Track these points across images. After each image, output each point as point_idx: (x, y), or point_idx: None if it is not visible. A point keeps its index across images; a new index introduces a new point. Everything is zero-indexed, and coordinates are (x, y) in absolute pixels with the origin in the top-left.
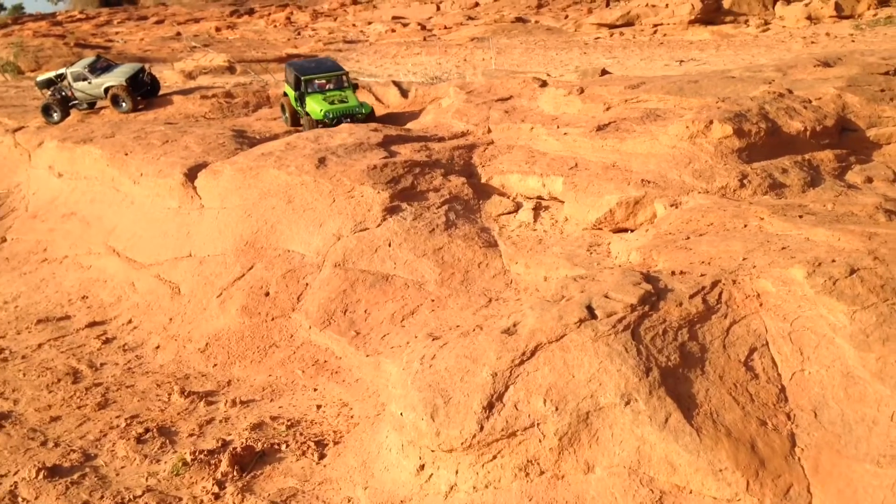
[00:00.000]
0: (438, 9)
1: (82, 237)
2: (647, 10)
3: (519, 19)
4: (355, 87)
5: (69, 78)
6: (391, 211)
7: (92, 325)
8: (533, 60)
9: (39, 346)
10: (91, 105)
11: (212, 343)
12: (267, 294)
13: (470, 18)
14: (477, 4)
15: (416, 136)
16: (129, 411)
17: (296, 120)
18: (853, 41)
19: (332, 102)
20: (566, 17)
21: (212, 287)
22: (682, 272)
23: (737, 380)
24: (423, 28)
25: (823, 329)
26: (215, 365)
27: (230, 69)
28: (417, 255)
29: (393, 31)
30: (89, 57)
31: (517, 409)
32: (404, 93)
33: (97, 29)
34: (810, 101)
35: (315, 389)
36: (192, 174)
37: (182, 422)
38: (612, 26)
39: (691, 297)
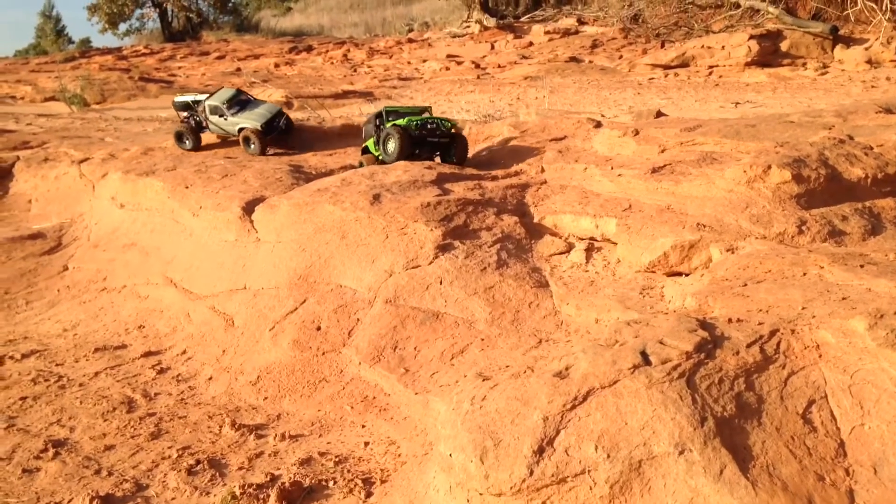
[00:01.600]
0: (493, 48)
1: (141, 267)
2: (702, 52)
3: (573, 59)
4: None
5: (206, 110)
6: (443, 249)
7: (147, 354)
8: (586, 100)
9: (96, 374)
10: (223, 139)
11: (263, 376)
12: (318, 328)
13: (524, 58)
14: (531, 44)
15: (470, 175)
16: (180, 442)
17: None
18: None
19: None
20: (620, 57)
21: (265, 320)
22: (738, 320)
23: (794, 432)
24: (478, 66)
25: (885, 383)
26: (266, 398)
27: (288, 104)
28: (468, 293)
29: (447, 69)
30: (229, 89)
31: (568, 454)
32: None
33: (161, 63)
34: (871, 148)
35: (363, 426)
36: (249, 208)
37: (232, 454)
38: (666, 67)
39: (748, 345)
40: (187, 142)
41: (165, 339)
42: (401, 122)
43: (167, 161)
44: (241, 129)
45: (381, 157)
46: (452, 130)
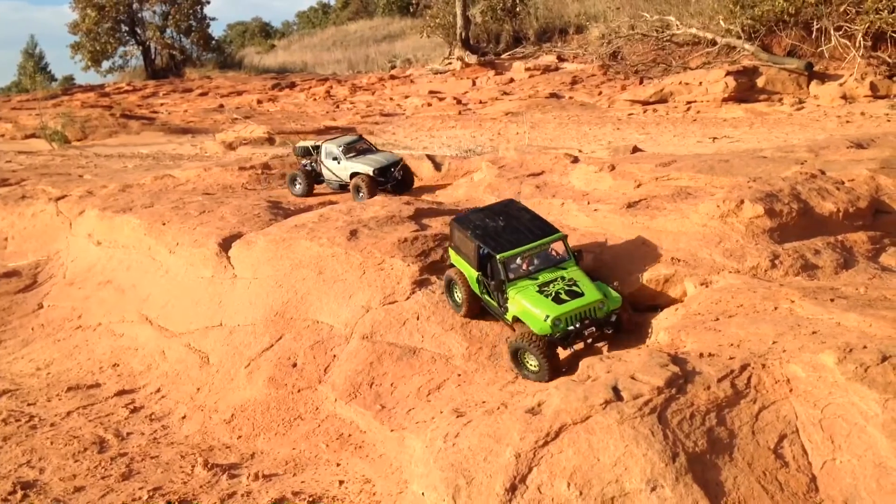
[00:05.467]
0: (474, 84)
1: (116, 305)
2: (680, 88)
3: (553, 95)
4: (578, 255)
5: (322, 154)
6: (420, 284)
7: (121, 393)
8: (566, 135)
9: (68, 413)
10: (342, 187)
11: (237, 414)
12: (294, 365)
13: (505, 93)
14: (512, 80)
15: (448, 210)
16: (152, 483)
17: (477, 309)
18: (888, 121)
19: (556, 298)
20: (600, 93)
21: (240, 357)
22: (710, 354)
23: (766, 467)
24: (459, 102)
25: (855, 417)
26: (240, 437)
27: (269, 140)
28: (445, 328)
29: (429, 104)
30: (350, 136)
31: (540, 491)
32: (437, 166)
33: (143, 100)
34: (843, 183)
35: (338, 464)
36: (226, 244)
37: (204, 495)
38: (645, 103)
39: (719, 380)
40: (299, 186)
41: (140, 377)
42: (542, 324)
43: (145, 198)
44: (353, 175)
45: (482, 298)
46: (612, 314)
